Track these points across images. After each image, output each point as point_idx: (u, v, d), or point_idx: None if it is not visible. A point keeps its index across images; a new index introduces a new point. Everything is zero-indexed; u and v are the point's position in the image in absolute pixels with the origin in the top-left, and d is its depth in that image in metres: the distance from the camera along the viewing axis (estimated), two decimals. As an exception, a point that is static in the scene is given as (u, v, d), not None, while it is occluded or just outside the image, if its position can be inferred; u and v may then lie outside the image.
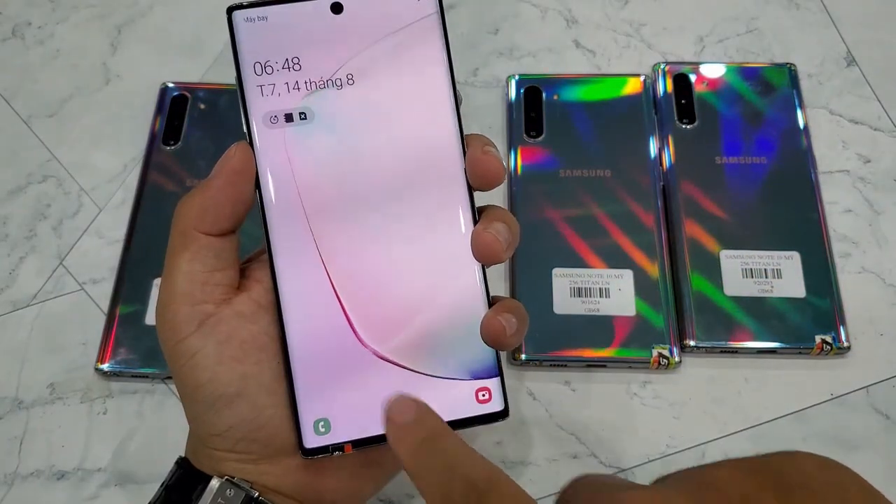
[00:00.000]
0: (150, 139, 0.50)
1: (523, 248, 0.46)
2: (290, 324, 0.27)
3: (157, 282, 0.45)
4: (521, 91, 0.51)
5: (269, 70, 0.27)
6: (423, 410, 0.26)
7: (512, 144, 0.49)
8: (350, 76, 0.28)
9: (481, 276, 0.29)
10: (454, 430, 0.26)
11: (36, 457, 0.42)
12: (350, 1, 0.28)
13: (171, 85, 0.52)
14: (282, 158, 0.27)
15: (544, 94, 0.51)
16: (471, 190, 0.29)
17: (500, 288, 0.46)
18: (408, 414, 0.26)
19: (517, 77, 0.51)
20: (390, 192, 0.28)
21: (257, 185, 0.28)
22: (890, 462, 0.41)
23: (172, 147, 0.50)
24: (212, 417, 0.27)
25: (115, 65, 0.55)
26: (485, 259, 0.28)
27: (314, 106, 0.27)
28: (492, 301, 0.29)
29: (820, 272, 0.44)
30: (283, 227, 0.27)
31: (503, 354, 0.44)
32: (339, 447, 0.27)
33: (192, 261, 0.27)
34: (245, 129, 0.27)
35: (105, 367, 0.43)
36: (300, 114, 0.27)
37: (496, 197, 0.49)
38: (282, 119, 0.27)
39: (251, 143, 0.27)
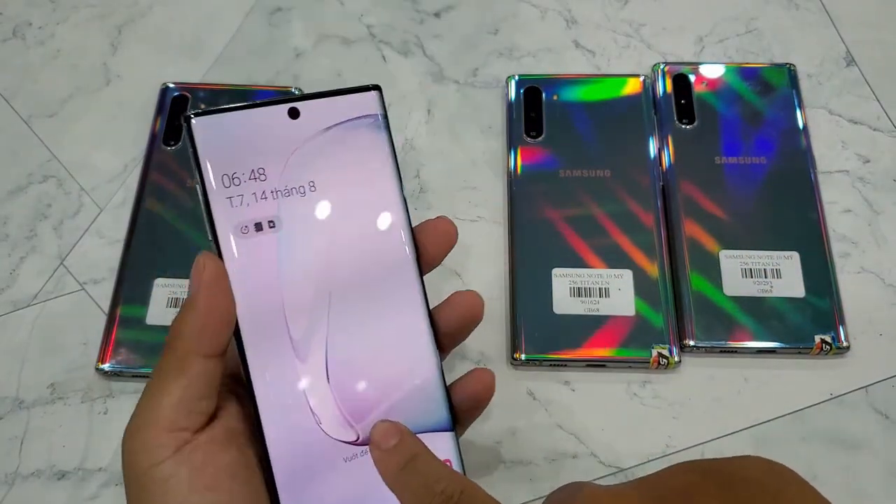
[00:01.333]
0: (150, 139, 0.50)
1: (523, 248, 0.46)
2: (268, 428, 0.28)
3: (158, 282, 0.45)
4: (521, 91, 0.51)
5: (236, 182, 0.28)
6: (404, 435, 0.29)
7: (512, 144, 0.49)
8: (312, 183, 0.29)
9: (437, 357, 0.31)
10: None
11: (36, 457, 0.42)
12: (305, 106, 0.29)
13: (171, 85, 0.52)
14: (253, 266, 0.28)
15: (544, 95, 0.51)
16: (421, 279, 0.31)
17: (501, 289, 0.46)
18: (392, 439, 0.28)
19: (517, 77, 0.52)
20: (355, 288, 0.29)
21: None
22: (890, 462, 0.41)
23: (173, 147, 0.50)
24: None
25: (115, 65, 0.55)
26: (471, 316, 0.31)
27: (282, 214, 0.28)
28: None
29: (819, 272, 0.44)
30: (257, 332, 0.28)
31: (504, 355, 0.44)
32: None
33: (186, 387, 0.27)
34: (211, 239, 0.28)
35: (106, 366, 0.43)
36: (269, 222, 0.28)
37: (496, 196, 0.49)
38: (252, 228, 0.28)
39: (220, 254, 0.28)
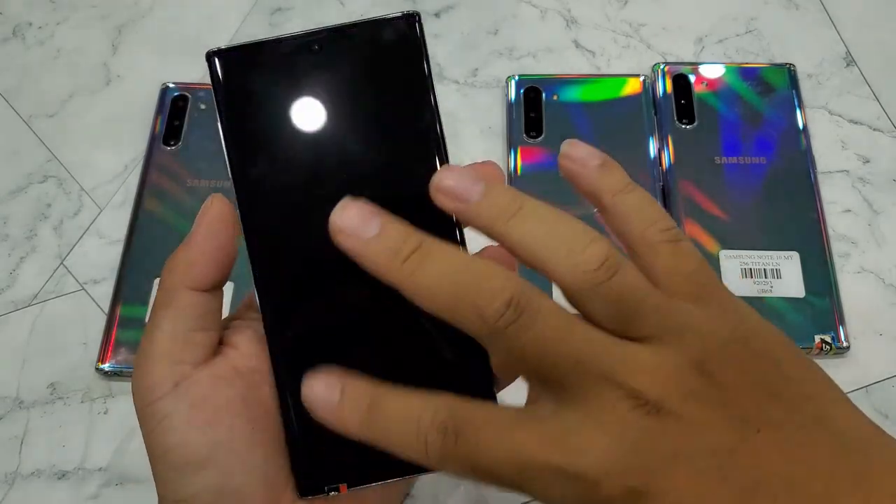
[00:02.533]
0: (150, 139, 0.50)
1: (523, 248, 0.46)
2: (285, 366, 0.27)
3: (157, 282, 0.45)
4: (521, 91, 0.51)
5: (252, 116, 0.27)
6: (388, 220, 0.23)
7: (512, 144, 0.49)
8: (337, 114, 0.28)
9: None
10: None
11: (37, 456, 0.42)
12: (331, 37, 0.28)
13: (171, 85, 0.52)
14: (273, 204, 0.27)
15: (544, 95, 0.51)
16: (461, 232, 0.28)
17: (500, 288, 0.46)
18: (373, 224, 0.23)
19: (517, 77, 0.52)
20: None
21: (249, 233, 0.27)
22: (889, 461, 0.41)
23: (173, 147, 0.50)
24: (179, 482, 0.26)
25: (115, 65, 0.55)
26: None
27: (303, 149, 0.27)
28: None
29: (819, 272, 0.44)
30: (275, 283, 0.27)
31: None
32: (334, 487, 0.28)
33: (174, 319, 0.27)
34: (230, 177, 0.27)
35: (106, 366, 0.43)
36: (289, 158, 0.27)
37: (496, 197, 0.49)
38: (270, 165, 0.27)
39: (238, 190, 0.27)
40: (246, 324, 0.29)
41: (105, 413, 0.43)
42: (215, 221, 0.27)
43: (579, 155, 0.27)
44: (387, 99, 0.28)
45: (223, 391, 0.27)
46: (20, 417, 0.43)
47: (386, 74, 0.28)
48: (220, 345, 0.28)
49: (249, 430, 0.27)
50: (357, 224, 0.23)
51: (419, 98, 0.28)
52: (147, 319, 0.28)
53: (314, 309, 0.27)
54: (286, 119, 0.27)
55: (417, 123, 0.28)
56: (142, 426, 0.27)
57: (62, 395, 0.44)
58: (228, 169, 0.27)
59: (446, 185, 0.24)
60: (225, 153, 0.27)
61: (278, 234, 0.27)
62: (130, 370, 0.43)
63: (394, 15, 0.28)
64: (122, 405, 0.44)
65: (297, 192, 0.27)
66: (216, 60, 0.27)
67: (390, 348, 0.28)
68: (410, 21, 0.28)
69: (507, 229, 0.23)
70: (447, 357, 0.28)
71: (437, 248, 0.23)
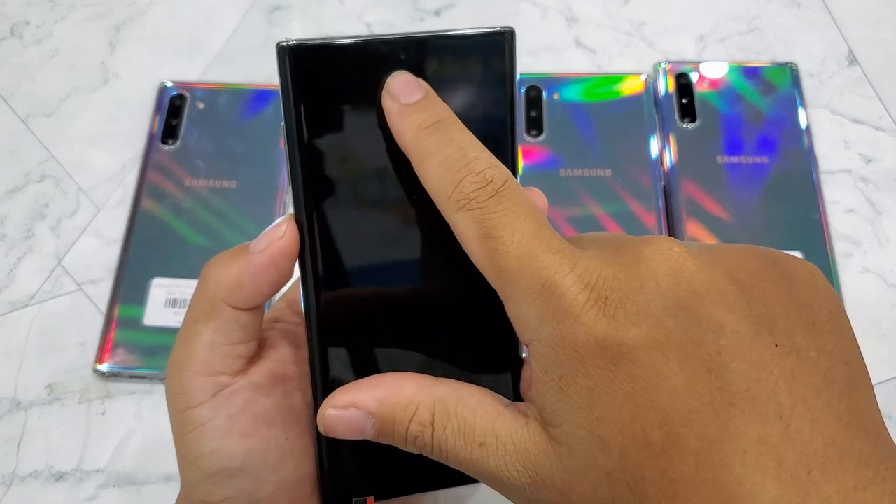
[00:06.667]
0: (148, 138, 0.50)
1: (523, 248, 0.46)
2: (324, 380, 0.27)
3: (155, 282, 0.45)
4: (522, 90, 0.51)
5: (322, 120, 0.25)
6: (431, 94, 0.23)
7: (512, 144, 0.49)
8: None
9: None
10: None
11: (34, 457, 0.42)
12: (416, 45, 0.25)
13: (169, 84, 0.52)
14: (335, 215, 0.26)
15: (545, 94, 0.50)
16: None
17: (501, 288, 0.46)
18: (415, 94, 0.23)
19: (518, 76, 0.51)
20: (443, 254, 0.26)
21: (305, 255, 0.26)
22: (892, 463, 0.41)
23: (171, 146, 0.49)
24: (209, 486, 0.26)
25: (113, 64, 0.55)
26: None
27: (373, 160, 0.26)
28: None
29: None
30: (330, 301, 0.26)
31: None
32: (361, 500, 0.27)
33: (216, 332, 0.26)
34: (290, 182, 0.25)
35: (103, 367, 0.43)
36: (358, 167, 0.26)
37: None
38: (339, 172, 0.26)
39: (301, 198, 0.26)
40: (289, 328, 0.29)
41: (103, 414, 0.43)
42: (279, 254, 0.25)
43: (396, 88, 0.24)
44: (466, 113, 0.26)
45: (260, 401, 0.26)
46: (18, 418, 0.43)
47: (468, 89, 0.26)
48: (259, 347, 0.28)
49: (283, 439, 0.27)
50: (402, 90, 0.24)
51: (498, 115, 0.26)
52: (183, 323, 0.26)
53: (359, 324, 0.27)
54: (353, 122, 0.25)
55: (493, 141, 0.26)
56: (175, 430, 0.26)
57: (60, 395, 0.44)
58: (288, 164, 0.25)
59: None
60: (286, 150, 0.25)
61: (332, 236, 0.26)
62: (128, 371, 0.43)
63: (486, 30, 0.26)
64: (120, 406, 0.43)
65: (356, 197, 0.26)
66: (288, 55, 0.24)
67: (429, 369, 0.26)
68: (502, 38, 0.26)
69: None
70: (482, 370, 0.27)
71: (457, 128, 0.23)
